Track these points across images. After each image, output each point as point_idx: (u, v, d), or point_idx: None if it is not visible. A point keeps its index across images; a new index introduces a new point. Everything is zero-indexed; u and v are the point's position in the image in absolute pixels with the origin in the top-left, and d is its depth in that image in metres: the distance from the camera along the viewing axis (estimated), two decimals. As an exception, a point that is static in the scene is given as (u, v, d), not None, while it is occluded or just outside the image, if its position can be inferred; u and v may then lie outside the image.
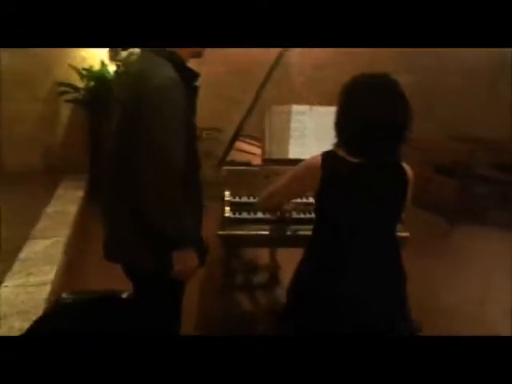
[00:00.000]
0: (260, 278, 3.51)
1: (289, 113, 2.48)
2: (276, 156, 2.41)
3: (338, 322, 1.76)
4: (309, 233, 2.17)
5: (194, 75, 1.75)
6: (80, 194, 4.60)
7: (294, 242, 2.23)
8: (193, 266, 1.73)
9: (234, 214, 2.25)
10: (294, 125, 2.46)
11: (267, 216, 2.26)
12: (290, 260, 3.36)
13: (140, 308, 1.84)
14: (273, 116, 2.45)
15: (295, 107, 2.49)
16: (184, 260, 1.70)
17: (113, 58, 5.06)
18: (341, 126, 1.74)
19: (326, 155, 1.76)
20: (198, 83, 1.79)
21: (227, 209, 2.24)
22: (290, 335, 1.93)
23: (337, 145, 1.77)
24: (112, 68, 5.01)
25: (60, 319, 1.54)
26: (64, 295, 1.97)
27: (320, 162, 1.74)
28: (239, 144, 2.51)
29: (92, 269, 3.21)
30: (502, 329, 3.05)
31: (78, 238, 3.82)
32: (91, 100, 4.77)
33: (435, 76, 5.90)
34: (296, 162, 2.39)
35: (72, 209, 4.18)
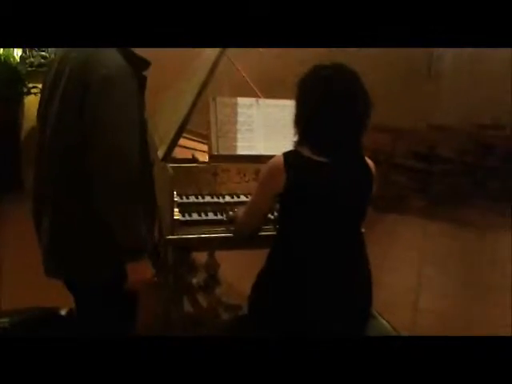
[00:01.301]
0: (199, 278, 3.36)
1: (235, 105, 2.34)
2: (224, 152, 2.26)
3: (305, 324, 1.68)
4: (267, 233, 2.07)
5: (144, 64, 1.57)
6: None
7: (252, 244, 2.11)
8: (148, 276, 1.56)
9: (184, 215, 2.08)
10: (240, 118, 2.32)
11: (219, 217, 2.11)
12: (228, 257, 3.26)
13: (84, 324, 1.65)
14: (218, 108, 2.29)
15: (241, 100, 2.35)
16: (139, 271, 1.52)
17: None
18: (303, 122, 1.65)
19: (288, 155, 1.66)
20: (146, 73, 1.60)
21: (176, 211, 2.06)
22: (253, 335, 1.82)
23: (298, 143, 1.68)
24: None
25: None
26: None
27: (282, 162, 1.64)
28: (182, 141, 2.33)
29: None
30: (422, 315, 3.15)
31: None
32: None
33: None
34: (244, 158, 2.30)
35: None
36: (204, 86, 2.15)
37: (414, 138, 6.22)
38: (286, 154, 1.67)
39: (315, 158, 1.63)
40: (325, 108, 1.60)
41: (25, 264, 3.33)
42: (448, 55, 6.71)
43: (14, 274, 3.26)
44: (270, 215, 2.11)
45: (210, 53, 2.26)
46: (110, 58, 1.43)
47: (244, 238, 1.97)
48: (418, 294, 3.41)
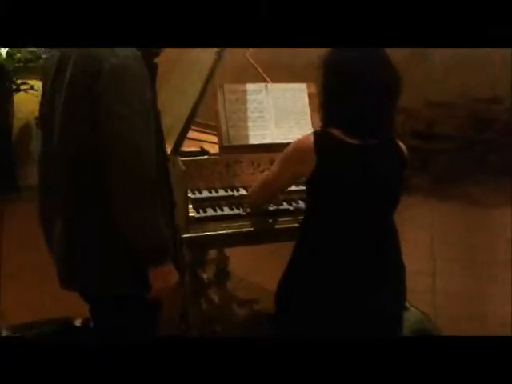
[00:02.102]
0: (209, 273, 3.26)
1: (244, 92, 2.21)
2: (235, 142, 2.14)
3: (333, 323, 1.58)
4: (288, 225, 1.97)
5: (155, 51, 1.44)
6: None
7: (270, 237, 2.01)
8: (174, 281, 1.45)
9: (198, 212, 1.96)
10: (250, 105, 2.20)
11: (235, 211, 2.00)
12: (237, 250, 3.16)
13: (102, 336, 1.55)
14: (226, 96, 2.17)
15: (250, 86, 2.22)
16: (164, 275, 1.41)
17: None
18: (336, 103, 1.54)
19: (319, 136, 1.54)
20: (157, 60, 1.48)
21: (189, 207, 1.94)
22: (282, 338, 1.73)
23: (328, 124, 1.56)
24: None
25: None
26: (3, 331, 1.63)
27: (313, 143, 1.52)
28: (190, 132, 2.20)
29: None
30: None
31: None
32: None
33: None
34: (258, 147, 2.18)
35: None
36: (211, 72, 2.02)
37: (412, 116, 6.10)
38: (317, 134, 1.56)
39: (348, 139, 1.52)
40: (358, 88, 1.51)
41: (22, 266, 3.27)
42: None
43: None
44: (289, 206, 2.01)
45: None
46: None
47: (255, 209, 1.93)
48: (433, 276, 3.35)
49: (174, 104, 2.28)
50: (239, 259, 3.33)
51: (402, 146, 1.64)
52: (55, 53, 1.42)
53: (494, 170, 5.79)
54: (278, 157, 1.70)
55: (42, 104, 1.49)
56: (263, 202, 1.86)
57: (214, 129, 2.27)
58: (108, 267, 1.39)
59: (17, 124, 4.70)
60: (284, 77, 2.58)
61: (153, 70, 1.44)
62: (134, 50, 1.34)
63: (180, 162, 1.97)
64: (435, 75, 6.37)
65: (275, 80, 2.39)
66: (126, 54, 1.31)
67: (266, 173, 1.79)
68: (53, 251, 1.49)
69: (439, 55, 6.58)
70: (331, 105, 1.57)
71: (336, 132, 1.54)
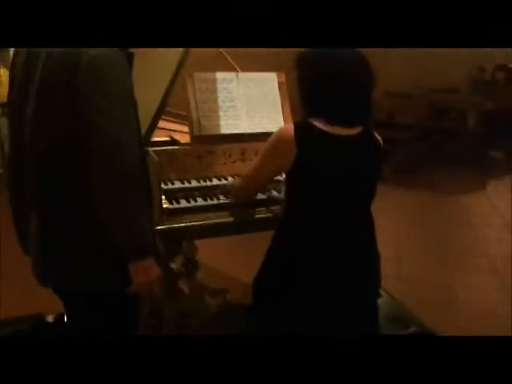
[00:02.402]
0: (177, 263, 3.22)
1: (214, 81, 2.18)
2: (206, 132, 2.11)
3: (315, 321, 1.60)
4: (263, 215, 1.97)
5: None
6: None
7: (246, 228, 2.00)
8: (155, 276, 1.42)
9: (172, 203, 1.93)
10: (221, 94, 2.18)
11: (209, 202, 1.98)
12: (205, 240, 3.13)
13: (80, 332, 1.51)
14: (196, 85, 2.13)
15: (220, 74, 2.19)
16: (145, 270, 1.38)
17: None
18: (316, 96, 1.56)
19: (299, 126, 1.54)
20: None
21: (163, 198, 1.91)
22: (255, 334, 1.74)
23: (309, 115, 1.57)
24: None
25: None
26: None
27: (293, 134, 1.52)
28: (160, 122, 2.15)
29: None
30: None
31: None
32: None
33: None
34: (229, 137, 2.16)
35: None
36: (181, 63, 1.98)
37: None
38: (297, 125, 1.56)
39: (328, 130, 1.53)
40: (336, 81, 1.53)
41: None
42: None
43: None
44: (263, 196, 2.01)
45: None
46: None
47: (241, 202, 1.91)
48: (399, 262, 3.43)
49: (143, 95, 2.22)
50: (206, 249, 3.32)
51: (378, 137, 1.67)
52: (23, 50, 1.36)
53: (451, 158, 5.98)
54: (260, 149, 1.69)
55: (10, 91, 1.42)
56: (249, 195, 1.85)
57: (184, 118, 2.23)
58: (85, 263, 1.35)
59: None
60: (252, 64, 2.56)
61: (129, 59, 1.39)
62: None
63: (152, 153, 1.93)
64: (394, 68, 6.50)
65: (244, 69, 2.37)
66: None
67: (250, 164, 1.78)
68: (27, 250, 1.44)
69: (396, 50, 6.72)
70: (311, 97, 1.58)
71: (316, 123, 1.54)
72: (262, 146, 1.67)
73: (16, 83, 1.38)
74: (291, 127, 1.55)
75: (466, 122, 6.49)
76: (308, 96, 1.59)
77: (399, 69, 6.51)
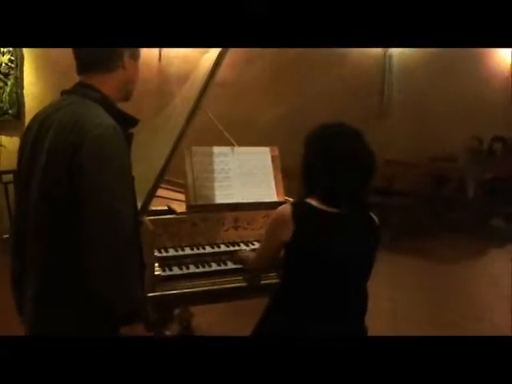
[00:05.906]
0: (173, 330, 3.23)
1: (211, 155, 2.32)
2: (202, 202, 2.22)
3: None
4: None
5: (133, 121, 1.53)
6: None
7: (237, 295, 2.06)
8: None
9: (164, 270, 2.00)
10: (217, 167, 2.31)
11: (201, 269, 2.05)
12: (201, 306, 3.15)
13: None
14: (194, 158, 2.27)
15: (217, 149, 2.34)
16: (132, 333, 1.44)
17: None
18: (318, 174, 1.67)
19: (296, 206, 1.67)
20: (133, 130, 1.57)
21: (156, 265, 1.99)
22: None
23: (307, 194, 1.69)
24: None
25: None
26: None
27: (290, 212, 1.64)
28: (158, 191, 2.27)
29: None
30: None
31: None
32: None
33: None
34: (222, 206, 2.26)
35: None
36: (180, 137, 2.11)
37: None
38: (294, 204, 1.68)
39: (325, 208, 1.64)
40: (333, 163, 1.63)
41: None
42: (396, 94, 7.04)
43: None
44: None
45: (185, 103, 2.25)
46: (101, 117, 1.39)
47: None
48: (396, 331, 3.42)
49: (143, 165, 2.35)
50: (202, 315, 3.34)
51: (374, 217, 1.76)
52: (33, 128, 1.49)
53: (452, 226, 6.04)
54: (264, 229, 1.85)
55: (19, 161, 1.53)
56: (264, 268, 1.97)
57: (179, 186, 2.34)
58: (81, 327, 1.41)
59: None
60: (246, 134, 2.69)
61: (128, 138, 1.52)
62: (113, 120, 1.41)
63: (148, 222, 2.03)
64: (393, 135, 6.72)
65: (237, 136, 2.50)
66: (107, 125, 1.38)
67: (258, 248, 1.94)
68: (19, 299, 1.51)
69: (397, 117, 6.98)
70: (310, 178, 1.70)
71: (313, 202, 1.66)
72: (265, 227, 1.83)
73: (26, 152, 1.50)
74: (289, 207, 1.67)
75: (466, 191, 6.60)
76: (307, 175, 1.70)
77: (401, 138, 6.73)
